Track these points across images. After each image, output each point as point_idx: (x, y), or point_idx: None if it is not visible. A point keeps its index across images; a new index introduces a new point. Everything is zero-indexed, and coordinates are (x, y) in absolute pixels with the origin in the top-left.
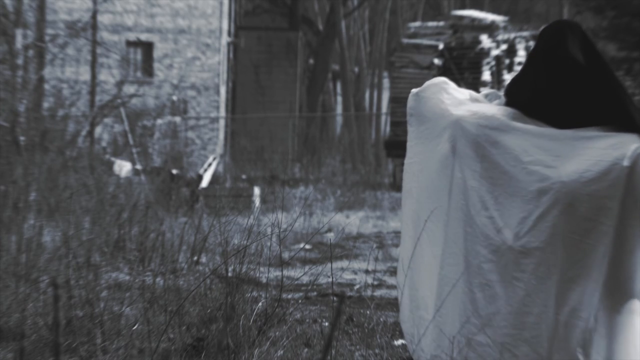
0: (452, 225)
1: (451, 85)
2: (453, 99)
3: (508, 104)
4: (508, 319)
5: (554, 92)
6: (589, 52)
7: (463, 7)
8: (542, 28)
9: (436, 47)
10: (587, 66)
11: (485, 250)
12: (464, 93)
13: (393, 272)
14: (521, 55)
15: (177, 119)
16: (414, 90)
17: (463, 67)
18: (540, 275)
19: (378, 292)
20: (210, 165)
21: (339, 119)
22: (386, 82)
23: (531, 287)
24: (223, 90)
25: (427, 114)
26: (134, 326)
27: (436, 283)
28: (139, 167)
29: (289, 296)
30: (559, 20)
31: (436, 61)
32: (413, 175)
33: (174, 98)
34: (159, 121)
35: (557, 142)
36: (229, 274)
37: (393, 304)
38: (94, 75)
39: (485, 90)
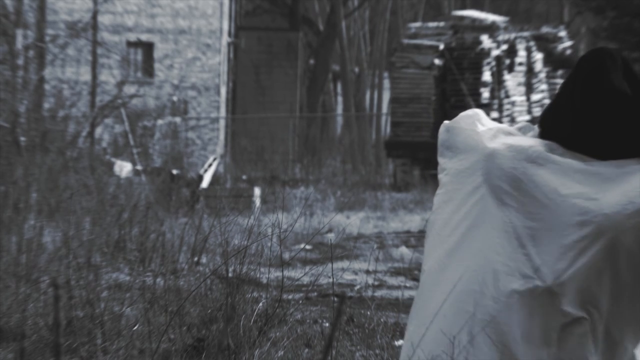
0: (480, 262)
1: (484, 118)
2: (487, 131)
3: (543, 135)
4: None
5: (596, 124)
6: (630, 80)
7: (464, 8)
8: (580, 57)
9: (437, 47)
10: (631, 95)
11: (522, 288)
12: (497, 126)
13: (394, 272)
14: (521, 56)
15: (178, 119)
16: (446, 123)
17: (463, 68)
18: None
19: (379, 293)
20: (210, 165)
21: (340, 120)
22: (387, 83)
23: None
24: (223, 90)
25: (460, 145)
26: (134, 327)
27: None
28: (139, 167)
29: (290, 297)
30: (600, 49)
31: (437, 61)
32: (438, 207)
33: (175, 98)
34: (160, 122)
35: (597, 175)
36: (230, 275)
37: (394, 305)
38: (94, 76)
39: (518, 124)
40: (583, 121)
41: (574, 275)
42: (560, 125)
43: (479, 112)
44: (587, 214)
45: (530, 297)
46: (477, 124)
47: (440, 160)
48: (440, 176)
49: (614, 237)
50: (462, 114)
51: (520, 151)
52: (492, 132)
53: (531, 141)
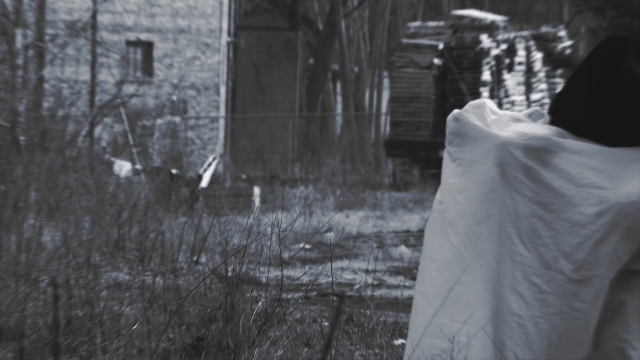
0: (499, 254)
1: (493, 106)
2: (497, 120)
3: (554, 122)
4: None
5: (612, 111)
6: None
7: (463, 7)
8: (597, 43)
9: (436, 47)
10: None
11: (540, 280)
12: (507, 114)
13: (393, 272)
14: (521, 56)
15: (177, 119)
16: (455, 112)
17: (463, 67)
18: (601, 303)
19: (378, 292)
20: (210, 165)
21: (339, 119)
22: (386, 82)
23: (592, 316)
24: (223, 90)
25: (471, 134)
26: (134, 326)
27: (466, 312)
28: (139, 167)
29: (289, 296)
30: (616, 36)
31: (436, 61)
32: (451, 196)
33: (174, 98)
34: (159, 121)
35: (614, 163)
36: (229, 274)
37: (393, 304)
38: (94, 75)
39: (528, 110)
40: (598, 108)
41: (593, 265)
42: (572, 113)
43: (488, 102)
44: (604, 204)
45: (549, 289)
46: (486, 113)
47: (450, 149)
48: (449, 164)
49: (631, 227)
50: (471, 103)
51: (534, 140)
52: (503, 120)
53: (543, 129)
